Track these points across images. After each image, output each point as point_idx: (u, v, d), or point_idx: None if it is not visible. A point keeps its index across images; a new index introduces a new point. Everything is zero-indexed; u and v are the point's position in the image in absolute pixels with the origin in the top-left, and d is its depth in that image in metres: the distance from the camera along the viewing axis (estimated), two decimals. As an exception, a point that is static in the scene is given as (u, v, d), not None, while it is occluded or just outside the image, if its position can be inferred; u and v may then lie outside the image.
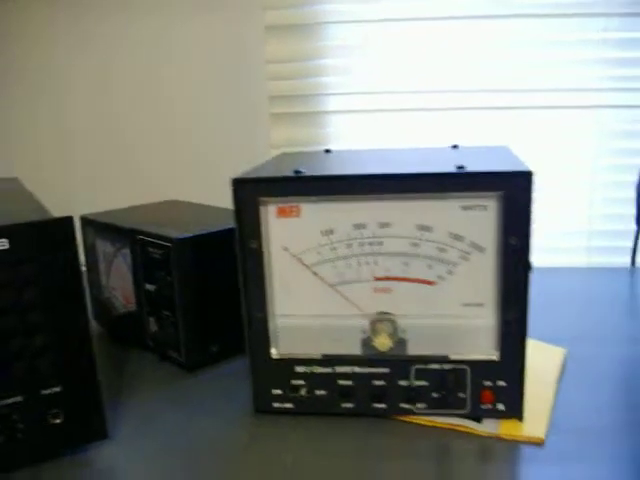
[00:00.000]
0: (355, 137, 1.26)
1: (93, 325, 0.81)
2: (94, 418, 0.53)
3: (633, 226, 0.80)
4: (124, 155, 1.39)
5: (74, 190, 1.35)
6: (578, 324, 0.76)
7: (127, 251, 0.70)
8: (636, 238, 0.94)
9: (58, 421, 0.51)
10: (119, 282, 0.73)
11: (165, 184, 1.28)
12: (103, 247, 0.75)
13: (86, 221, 0.77)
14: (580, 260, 1.28)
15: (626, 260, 0.97)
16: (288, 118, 1.25)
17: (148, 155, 1.38)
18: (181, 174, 1.29)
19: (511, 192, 0.50)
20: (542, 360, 0.65)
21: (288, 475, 0.50)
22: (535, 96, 1.23)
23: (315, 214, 0.53)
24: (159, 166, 1.37)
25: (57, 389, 0.51)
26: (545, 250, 1.28)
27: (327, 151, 0.68)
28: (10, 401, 0.50)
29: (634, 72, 1.19)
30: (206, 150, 1.29)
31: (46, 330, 0.50)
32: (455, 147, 0.67)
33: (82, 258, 0.78)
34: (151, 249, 0.66)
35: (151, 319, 0.69)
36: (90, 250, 0.78)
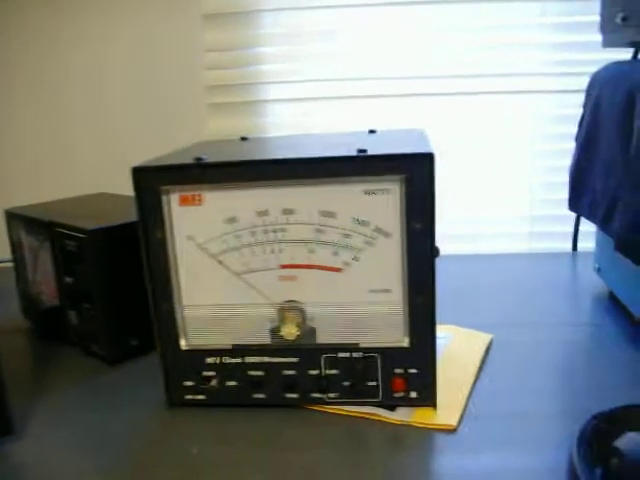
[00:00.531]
0: (295, 126, 1.25)
1: (22, 320, 0.79)
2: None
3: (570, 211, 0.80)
4: (61, 150, 1.37)
5: (71, 184, 1.30)
6: (514, 310, 0.75)
7: (46, 244, 0.68)
8: (577, 223, 0.94)
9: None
10: (44, 276, 0.72)
11: (102, 177, 1.26)
12: (28, 241, 0.73)
13: (10, 215, 0.76)
14: (523, 246, 1.28)
15: (568, 245, 0.97)
16: (227, 108, 1.24)
17: (85, 149, 1.35)
18: (118, 166, 1.27)
19: (413, 175, 0.49)
20: (465, 347, 0.65)
21: (195, 468, 0.49)
22: (471, 82, 1.22)
23: (218, 202, 0.52)
24: (96, 160, 1.35)
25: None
26: (488, 237, 1.27)
27: (243, 139, 0.67)
28: None
29: (571, 56, 1.18)
30: (142, 142, 1.27)
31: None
32: (372, 132, 0.66)
33: (9, 252, 0.77)
34: (67, 241, 0.64)
35: (72, 312, 0.67)
36: (17, 245, 0.76)
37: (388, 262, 0.51)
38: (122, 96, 1.31)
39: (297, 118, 1.26)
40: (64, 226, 0.65)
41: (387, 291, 0.52)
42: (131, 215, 0.65)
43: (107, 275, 0.63)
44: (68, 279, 0.66)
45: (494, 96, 1.23)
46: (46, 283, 0.72)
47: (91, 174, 1.33)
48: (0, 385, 0.52)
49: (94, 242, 0.62)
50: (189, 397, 0.57)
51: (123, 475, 0.48)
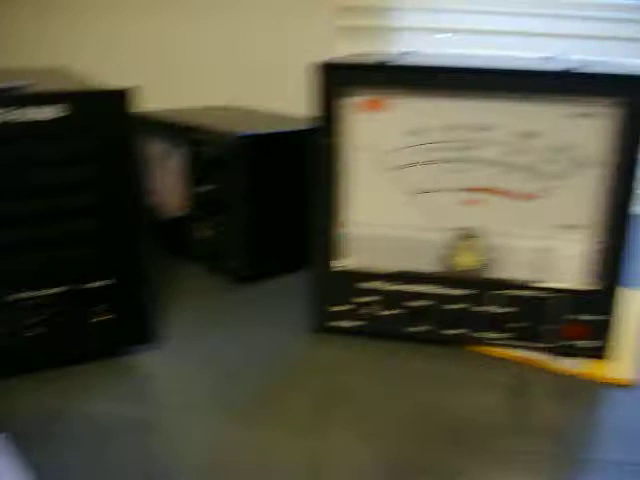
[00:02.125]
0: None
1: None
2: (142, 318, 0.49)
3: None
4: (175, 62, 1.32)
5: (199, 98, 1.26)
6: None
7: (181, 150, 0.64)
8: None
9: (103, 319, 0.47)
10: (169, 185, 0.68)
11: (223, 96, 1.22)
12: (153, 147, 0.69)
13: (136, 119, 0.72)
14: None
15: None
16: (357, 33, 1.17)
17: (209, 67, 1.30)
18: (241, 88, 1.22)
19: (632, 99, 0.44)
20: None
21: (330, 397, 0.45)
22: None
23: (403, 110, 0.47)
24: (218, 79, 1.30)
25: (103, 283, 0.46)
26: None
27: (404, 53, 0.62)
28: (52, 291, 0.45)
29: None
30: (266, 64, 1.22)
31: (97, 214, 0.45)
32: (549, 59, 0.60)
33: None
34: (208, 148, 0.60)
35: (202, 225, 0.64)
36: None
37: (586, 195, 0.46)
38: (246, 15, 1.25)
39: (434, 49, 1.18)
40: (206, 131, 0.60)
41: (580, 227, 0.47)
42: (277, 126, 0.61)
43: (252, 186, 0.59)
44: (203, 188, 0.62)
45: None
46: (171, 193, 0.68)
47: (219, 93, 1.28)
48: (146, 286, 0.48)
49: (240, 149, 0.58)
50: (334, 324, 0.53)
51: (253, 399, 0.45)
